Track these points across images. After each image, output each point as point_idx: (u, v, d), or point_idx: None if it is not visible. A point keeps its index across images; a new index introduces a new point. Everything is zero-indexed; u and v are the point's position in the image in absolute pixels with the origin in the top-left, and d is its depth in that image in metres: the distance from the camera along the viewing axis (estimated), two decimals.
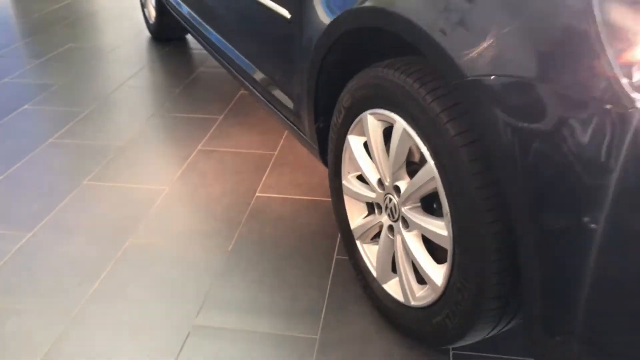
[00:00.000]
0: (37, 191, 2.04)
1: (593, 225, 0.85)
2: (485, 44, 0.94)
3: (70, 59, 3.36)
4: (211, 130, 2.46)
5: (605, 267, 0.87)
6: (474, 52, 0.95)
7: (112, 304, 1.54)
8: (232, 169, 2.16)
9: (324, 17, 1.39)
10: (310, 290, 1.58)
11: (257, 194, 2.01)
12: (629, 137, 0.80)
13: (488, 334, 1.20)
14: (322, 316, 1.49)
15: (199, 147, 2.32)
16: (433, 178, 1.14)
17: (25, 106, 2.73)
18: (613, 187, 0.82)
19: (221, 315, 1.50)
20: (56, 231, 1.83)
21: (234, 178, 2.10)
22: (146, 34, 3.75)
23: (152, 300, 1.55)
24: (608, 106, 0.80)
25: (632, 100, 0.79)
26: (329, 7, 1.39)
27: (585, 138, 0.84)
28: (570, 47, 0.84)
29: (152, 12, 3.48)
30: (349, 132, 1.44)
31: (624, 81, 0.80)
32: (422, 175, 1.18)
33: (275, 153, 2.26)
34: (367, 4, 1.22)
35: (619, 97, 0.79)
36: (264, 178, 2.10)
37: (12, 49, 3.58)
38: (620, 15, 0.81)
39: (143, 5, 3.66)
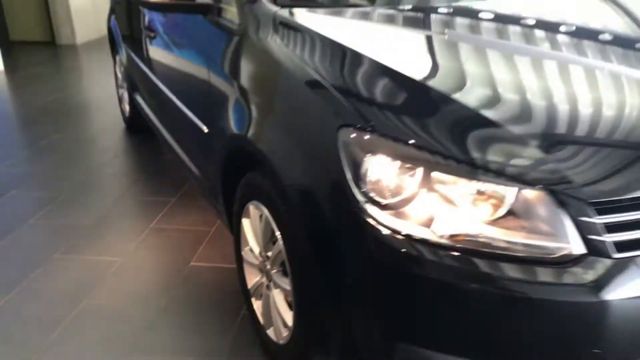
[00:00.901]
0: (14, 263, 2.54)
1: (349, 280, 1.38)
2: (294, 174, 1.49)
3: (55, 148, 3.94)
4: (164, 211, 2.99)
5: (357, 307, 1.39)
6: (291, 176, 1.51)
7: (64, 348, 2.02)
8: (175, 243, 2.68)
9: (224, 136, 1.95)
10: (220, 337, 2.06)
11: (191, 263, 2.52)
12: (357, 224, 1.33)
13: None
14: (227, 356, 1.97)
15: (152, 225, 2.85)
16: (281, 251, 1.66)
17: (13, 191, 3.27)
18: (352, 257, 1.35)
19: (148, 355, 1.98)
20: (28, 295, 2.32)
21: (176, 251, 2.62)
22: (122, 124, 4.35)
23: (96, 345, 2.03)
24: (346, 205, 1.34)
25: (358, 202, 1.32)
26: (228, 129, 1.94)
27: (336, 226, 1.37)
28: (327, 172, 1.40)
29: (126, 108, 4.09)
30: (242, 217, 1.97)
31: (355, 190, 1.34)
32: (276, 249, 1.70)
33: (212, 229, 2.78)
34: (248, 134, 1.77)
35: (352, 200, 1.33)
36: (199, 250, 2.61)
37: (7, 138, 4.17)
38: (353, 151, 1.36)
39: (120, 101, 4.29)
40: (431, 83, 1.47)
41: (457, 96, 1.42)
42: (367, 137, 1.35)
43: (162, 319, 2.17)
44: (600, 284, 1.22)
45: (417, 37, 1.83)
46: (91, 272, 2.46)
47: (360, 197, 1.33)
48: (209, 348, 2.01)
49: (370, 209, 1.32)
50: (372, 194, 1.33)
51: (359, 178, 1.34)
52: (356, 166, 1.35)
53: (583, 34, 1.93)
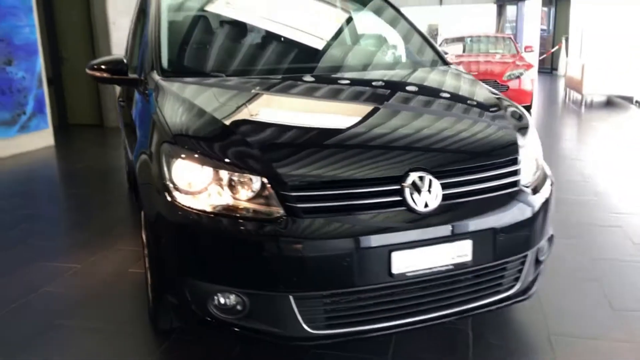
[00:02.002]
0: (1, 268, 3.45)
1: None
2: (144, 177, 2.34)
3: (69, 198, 4.96)
4: (127, 238, 3.86)
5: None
6: (142, 179, 2.35)
7: (15, 315, 2.85)
8: (124, 257, 3.52)
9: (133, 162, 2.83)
10: (133, 312, 2.84)
11: (129, 270, 3.34)
12: (167, 202, 2.13)
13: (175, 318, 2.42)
14: (133, 324, 2.74)
15: (113, 247, 3.72)
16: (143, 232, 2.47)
17: (24, 224, 4.26)
18: (162, 223, 2.14)
19: (80, 320, 2.77)
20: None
21: (122, 262, 3.45)
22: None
23: (40, 313, 2.85)
24: (163, 192, 2.16)
25: (169, 189, 2.13)
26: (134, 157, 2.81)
27: (158, 206, 2.18)
28: (157, 172, 2.23)
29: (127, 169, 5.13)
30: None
31: (168, 181, 2.15)
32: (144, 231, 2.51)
33: None
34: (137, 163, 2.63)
35: (166, 188, 2.14)
36: (139, 262, 3.44)
37: (37, 192, 5.25)
38: (167, 157, 2.18)
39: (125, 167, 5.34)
40: (222, 119, 2.29)
41: (233, 127, 2.24)
42: (173, 148, 2.18)
43: (95, 301, 2.97)
44: (294, 234, 1.95)
45: (228, 93, 2.64)
46: (54, 273, 3.33)
47: (170, 185, 2.14)
48: (124, 319, 2.79)
49: (175, 192, 2.12)
50: (176, 183, 2.13)
51: (170, 173, 2.15)
52: (168, 166, 2.17)
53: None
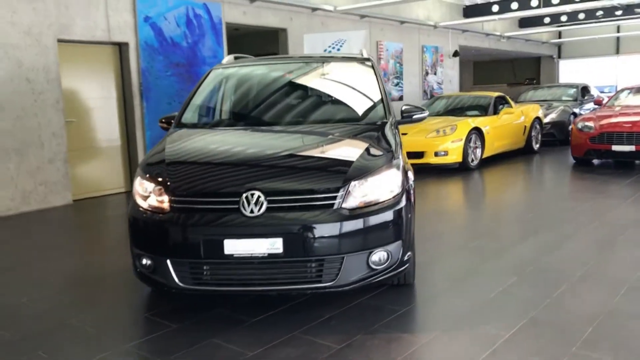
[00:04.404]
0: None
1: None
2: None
3: None
4: None
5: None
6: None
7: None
8: None
9: None
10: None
11: None
12: (133, 203, 3.64)
13: None
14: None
15: None
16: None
17: None
18: (131, 214, 3.65)
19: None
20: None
21: None
22: None
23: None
24: (133, 197, 3.67)
25: (135, 199, 3.65)
26: None
27: (130, 208, 3.69)
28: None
29: None
30: None
31: (134, 192, 3.67)
32: None
33: None
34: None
35: (133, 195, 3.66)
36: None
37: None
38: (136, 178, 3.71)
39: None
40: (166, 154, 3.70)
41: (168, 159, 3.64)
42: (138, 171, 3.68)
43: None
44: (169, 222, 3.28)
45: (188, 138, 4.01)
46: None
47: (133, 192, 3.64)
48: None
49: (136, 196, 3.61)
50: (138, 191, 3.62)
51: (134, 186, 3.66)
52: (134, 181, 3.68)
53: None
